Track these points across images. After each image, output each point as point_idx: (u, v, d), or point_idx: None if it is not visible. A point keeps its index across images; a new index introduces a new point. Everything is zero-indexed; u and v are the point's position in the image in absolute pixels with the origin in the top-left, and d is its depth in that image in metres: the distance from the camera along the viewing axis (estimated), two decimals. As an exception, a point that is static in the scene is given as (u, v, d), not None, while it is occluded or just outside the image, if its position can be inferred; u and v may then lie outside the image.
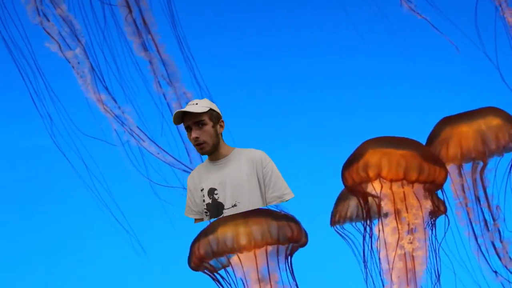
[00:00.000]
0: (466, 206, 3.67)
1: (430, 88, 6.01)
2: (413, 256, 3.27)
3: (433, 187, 3.30)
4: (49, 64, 5.11)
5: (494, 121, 3.48)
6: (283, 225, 3.12)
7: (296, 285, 3.25)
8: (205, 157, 3.79)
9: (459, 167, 3.62)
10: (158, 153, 5.02)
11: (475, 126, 3.49)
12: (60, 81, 5.16)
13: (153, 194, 5.12)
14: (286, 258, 3.24)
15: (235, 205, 3.60)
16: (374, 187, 3.23)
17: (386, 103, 6.11)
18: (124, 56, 5.01)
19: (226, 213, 3.60)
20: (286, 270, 3.23)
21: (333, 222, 3.58)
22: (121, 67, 5.03)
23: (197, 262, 3.16)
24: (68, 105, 5.06)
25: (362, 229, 3.36)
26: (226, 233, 3.06)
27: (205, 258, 3.11)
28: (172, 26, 5.04)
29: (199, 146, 3.64)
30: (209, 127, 3.65)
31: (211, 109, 3.67)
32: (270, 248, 3.13)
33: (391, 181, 3.16)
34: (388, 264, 3.24)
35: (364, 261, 3.29)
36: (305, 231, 3.27)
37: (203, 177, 3.72)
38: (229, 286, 3.23)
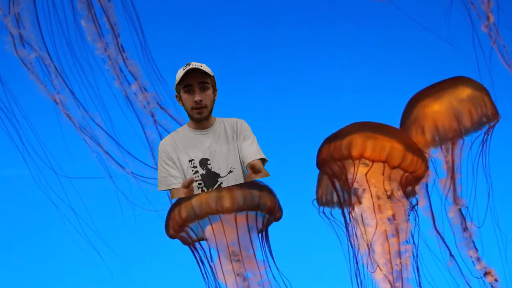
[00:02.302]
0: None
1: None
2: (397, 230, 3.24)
3: (412, 179, 3.28)
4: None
5: (465, 93, 3.41)
6: (263, 194, 3.09)
7: (273, 259, 3.19)
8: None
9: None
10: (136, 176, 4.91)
11: (446, 102, 3.42)
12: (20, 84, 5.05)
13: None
14: (261, 232, 3.21)
15: (231, 171, 3.55)
16: (355, 168, 3.21)
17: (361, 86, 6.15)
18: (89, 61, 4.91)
19: (223, 180, 3.53)
20: (262, 245, 3.20)
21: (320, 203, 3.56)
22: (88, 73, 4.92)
23: (176, 227, 3.06)
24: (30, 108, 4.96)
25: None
26: (210, 195, 2.98)
27: (186, 221, 2.99)
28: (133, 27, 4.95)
29: (200, 109, 3.55)
30: (210, 92, 3.59)
31: (213, 76, 3.63)
32: (249, 218, 3.08)
33: (373, 161, 3.13)
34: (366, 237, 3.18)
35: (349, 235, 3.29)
36: (280, 205, 3.24)
37: (188, 146, 3.61)
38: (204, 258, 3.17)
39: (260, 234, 3.20)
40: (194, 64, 3.55)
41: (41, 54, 4.82)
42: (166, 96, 4.87)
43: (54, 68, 4.82)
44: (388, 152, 3.12)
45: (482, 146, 3.53)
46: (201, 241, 3.16)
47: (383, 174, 3.21)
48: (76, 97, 4.80)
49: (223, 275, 3.01)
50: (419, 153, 3.25)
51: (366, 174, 3.22)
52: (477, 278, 3.69)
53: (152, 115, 4.87)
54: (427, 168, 3.29)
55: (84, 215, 4.92)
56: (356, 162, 3.20)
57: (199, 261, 3.17)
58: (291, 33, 6.27)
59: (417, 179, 3.34)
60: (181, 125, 3.96)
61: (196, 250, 3.14)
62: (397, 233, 3.22)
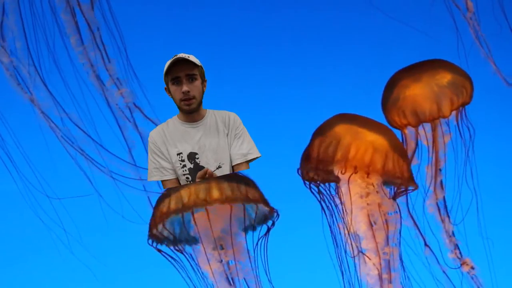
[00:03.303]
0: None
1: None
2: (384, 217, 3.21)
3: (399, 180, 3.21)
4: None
5: (445, 79, 3.41)
6: (250, 187, 3.01)
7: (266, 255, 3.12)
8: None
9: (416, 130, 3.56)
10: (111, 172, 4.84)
11: (427, 88, 3.42)
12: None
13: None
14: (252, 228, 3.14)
15: (219, 167, 3.55)
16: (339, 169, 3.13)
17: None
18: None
19: None
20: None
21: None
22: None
23: (161, 218, 2.93)
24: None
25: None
26: (199, 185, 2.90)
27: (173, 212, 2.89)
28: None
29: (188, 101, 3.53)
30: (199, 83, 3.57)
31: (201, 66, 3.61)
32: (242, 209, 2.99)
33: (355, 168, 3.07)
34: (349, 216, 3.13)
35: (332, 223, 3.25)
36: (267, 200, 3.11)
37: (177, 139, 3.59)
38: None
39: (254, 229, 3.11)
40: (181, 55, 3.52)
41: (15, 59, 4.75)
42: (141, 95, 4.83)
43: (33, 65, 4.75)
44: (371, 155, 3.05)
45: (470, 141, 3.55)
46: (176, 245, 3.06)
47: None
48: (53, 96, 4.74)
49: (208, 263, 2.95)
50: (402, 153, 3.20)
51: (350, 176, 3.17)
52: (454, 268, 3.71)
53: (130, 113, 4.81)
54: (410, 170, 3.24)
55: (70, 228, 4.85)
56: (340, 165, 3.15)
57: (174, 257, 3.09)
58: (276, 31, 6.30)
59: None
60: (156, 125, 4.03)
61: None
62: (384, 222, 3.19)
